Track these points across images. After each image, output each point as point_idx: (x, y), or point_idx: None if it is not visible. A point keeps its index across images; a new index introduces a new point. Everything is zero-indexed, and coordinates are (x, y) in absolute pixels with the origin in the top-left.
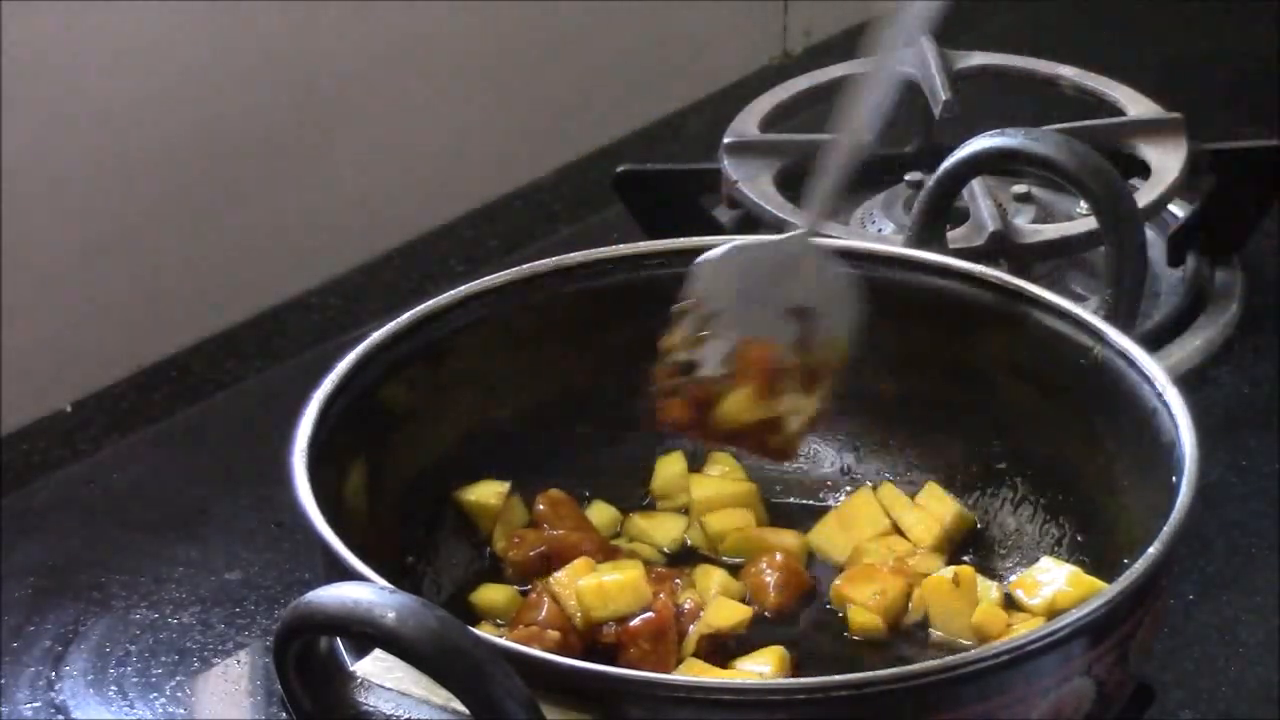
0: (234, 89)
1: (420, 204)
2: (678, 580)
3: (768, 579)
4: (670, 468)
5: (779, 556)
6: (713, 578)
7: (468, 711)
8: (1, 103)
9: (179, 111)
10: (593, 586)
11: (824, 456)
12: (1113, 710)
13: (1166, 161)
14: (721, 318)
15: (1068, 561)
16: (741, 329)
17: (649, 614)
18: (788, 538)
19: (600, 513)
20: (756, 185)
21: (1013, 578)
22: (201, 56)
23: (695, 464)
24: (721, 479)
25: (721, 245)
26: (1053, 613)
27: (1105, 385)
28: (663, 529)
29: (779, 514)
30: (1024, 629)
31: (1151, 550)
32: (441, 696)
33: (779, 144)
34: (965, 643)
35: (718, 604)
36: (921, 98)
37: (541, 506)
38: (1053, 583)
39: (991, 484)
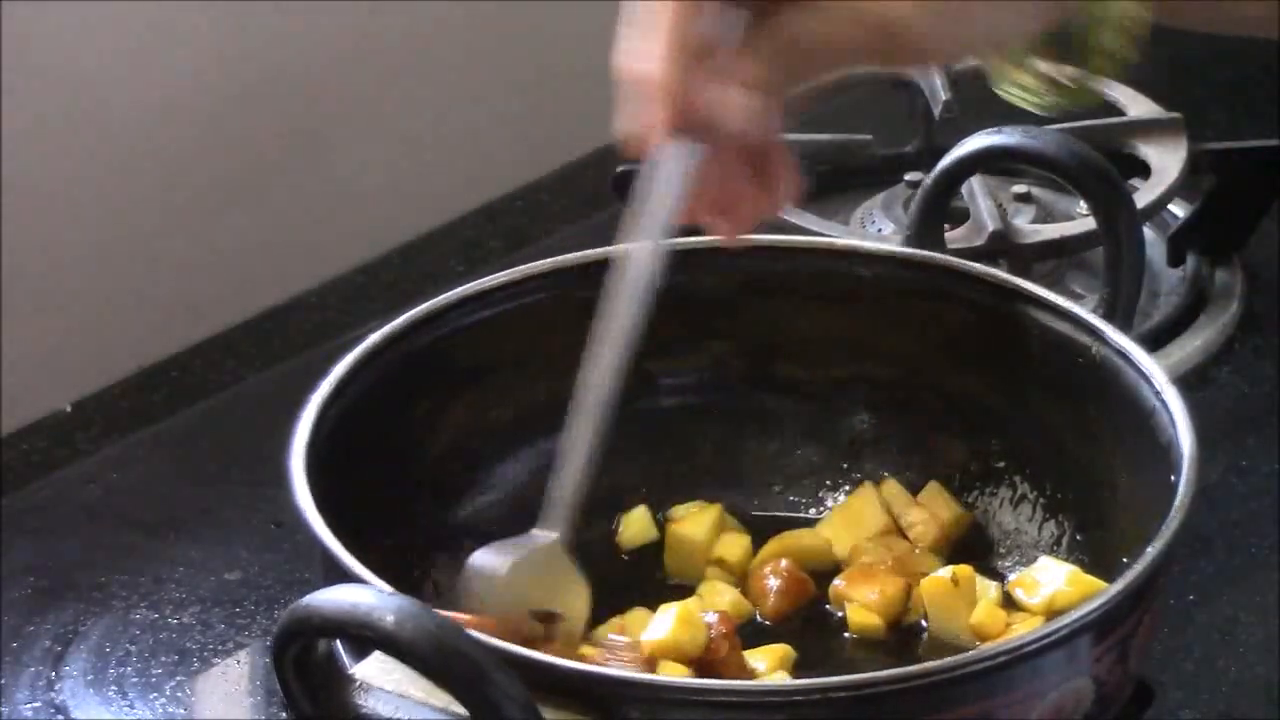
0: (234, 89)
1: (420, 204)
2: None
3: (770, 585)
4: (637, 523)
5: (783, 563)
6: (718, 591)
7: (467, 714)
8: (1, 103)
9: (179, 111)
10: (680, 626)
11: (823, 456)
12: (1112, 710)
13: (1166, 161)
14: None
15: (1067, 561)
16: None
17: (715, 617)
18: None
19: None
20: None
21: (1012, 577)
22: (201, 57)
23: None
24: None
25: (488, 561)
26: (1052, 612)
27: (1104, 384)
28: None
29: (778, 514)
30: (1023, 629)
31: (1151, 549)
32: (441, 699)
33: None
34: (964, 642)
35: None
36: (921, 98)
37: None
38: (1052, 582)
39: (990, 482)
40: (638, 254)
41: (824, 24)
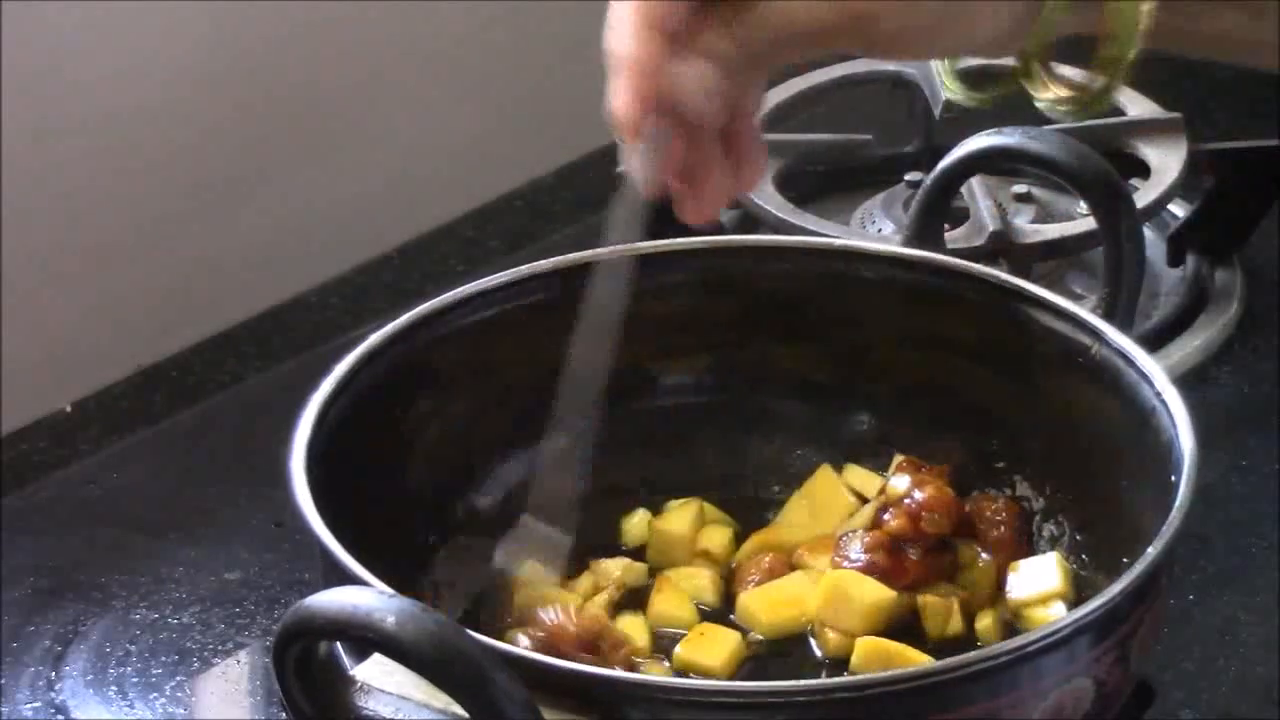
0: (234, 89)
1: (420, 204)
2: None
3: (753, 580)
4: (637, 526)
5: (765, 561)
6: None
7: (467, 715)
8: (1, 103)
9: (179, 112)
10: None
11: (823, 456)
12: (1112, 710)
13: (1166, 161)
14: None
15: (1067, 561)
16: None
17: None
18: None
19: None
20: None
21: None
22: (201, 57)
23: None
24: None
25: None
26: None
27: (1104, 384)
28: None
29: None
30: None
31: (1151, 550)
32: (441, 700)
33: (779, 144)
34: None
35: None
36: (921, 98)
37: None
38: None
39: (990, 483)
40: (609, 259)
41: (791, 4)
